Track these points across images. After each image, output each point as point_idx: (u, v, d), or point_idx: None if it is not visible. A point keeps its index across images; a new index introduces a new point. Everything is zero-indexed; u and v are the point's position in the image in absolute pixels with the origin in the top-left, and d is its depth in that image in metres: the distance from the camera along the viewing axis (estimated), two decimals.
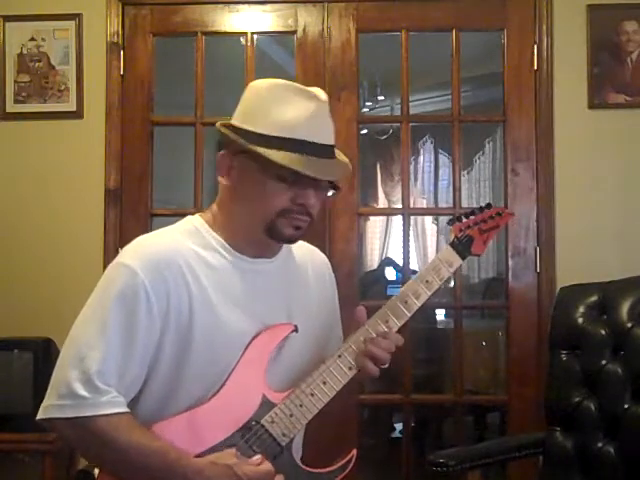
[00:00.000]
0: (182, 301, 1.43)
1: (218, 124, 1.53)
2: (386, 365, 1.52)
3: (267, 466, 1.39)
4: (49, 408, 1.38)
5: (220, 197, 1.55)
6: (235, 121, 1.49)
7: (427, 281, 1.53)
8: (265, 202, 1.46)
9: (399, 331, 1.53)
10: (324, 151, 1.46)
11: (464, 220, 1.57)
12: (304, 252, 1.67)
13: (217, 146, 1.56)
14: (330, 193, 1.52)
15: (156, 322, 1.42)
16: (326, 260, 1.74)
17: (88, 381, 1.36)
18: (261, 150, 1.41)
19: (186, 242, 1.49)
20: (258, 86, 1.51)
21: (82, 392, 1.35)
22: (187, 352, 1.43)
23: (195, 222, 1.54)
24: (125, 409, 1.39)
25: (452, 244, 1.56)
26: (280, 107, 1.44)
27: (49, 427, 1.42)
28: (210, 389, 1.45)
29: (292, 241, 1.52)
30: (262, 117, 1.45)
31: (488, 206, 1.60)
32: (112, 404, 1.37)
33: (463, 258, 1.55)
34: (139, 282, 1.40)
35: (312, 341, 1.58)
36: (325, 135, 1.47)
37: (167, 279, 1.42)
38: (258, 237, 1.51)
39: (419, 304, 1.52)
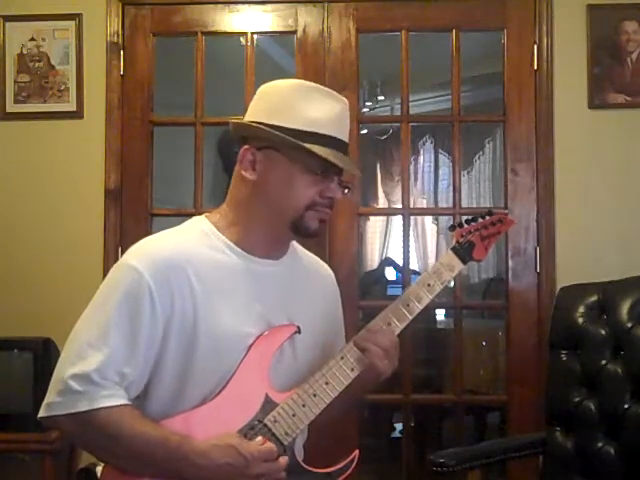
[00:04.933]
0: (186, 304, 1.44)
1: (236, 122, 1.55)
2: (387, 366, 1.52)
3: (270, 446, 1.42)
4: (49, 405, 1.40)
5: (235, 194, 1.55)
6: (256, 118, 1.50)
7: (429, 285, 1.55)
8: (295, 195, 1.48)
9: (400, 333, 1.54)
10: (345, 148, 1.52)
11: (465, 226, 1.59)
12: (311, 262, 1.71)
13: (217, 147, 1.57)
14: (346, 191, 1.55)
15: (159, 324, 1.42)
16: (331, 273, 1.76)
17: (87, 378, 1.37)
18: (303, 144, 1.44)
19: (192, 244, 1.50)
20: (281, 85, 1.54)
21: (80, 388, 1.37)
22: (192, 354, 1.44)
23: (201, 224, 1.55)
24: (126, 401, 1.40)
25: (453, 249, 1.58)
26: (309, 104, 1.48)
27: (51, 424, 1.43)
28: (214, 390, 1.46)
29: (315, 235, 1.54)
30: (292, 113, 1.48)
31: (490, 213, 1.62)
32: (111, 397, 1.38)
33: (464, 263, 1.58)
34: (144, 284, 1.41)
35: (315, 343, 1.59)
36: (346, 133, 1.53)
37: (172, 282, 1.43)
38: (275, 234, 1.53)
39: (421, 307, 1.55)
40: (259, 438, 1.42)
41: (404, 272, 3.09)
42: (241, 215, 1.53)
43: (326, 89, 1.54)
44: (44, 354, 2.66)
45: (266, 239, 1.53)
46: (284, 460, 1.43)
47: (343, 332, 1.74)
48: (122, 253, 1.53)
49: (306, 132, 1.45)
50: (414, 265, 6.49)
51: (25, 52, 2.96)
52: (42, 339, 2.69)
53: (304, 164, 1.46)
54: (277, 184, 1.49)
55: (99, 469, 1.49)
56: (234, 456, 1.38)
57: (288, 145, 1.45)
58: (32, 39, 2.96)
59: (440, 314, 4.94)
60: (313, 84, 1.54)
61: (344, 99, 1.54)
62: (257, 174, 1.50)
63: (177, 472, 1.39)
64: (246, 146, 1.51)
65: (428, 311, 4.05)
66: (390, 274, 5.82)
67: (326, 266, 1.76)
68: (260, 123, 1.49)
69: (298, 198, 1.48)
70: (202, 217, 1.58)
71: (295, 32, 2.92)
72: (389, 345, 1.51)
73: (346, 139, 1.52)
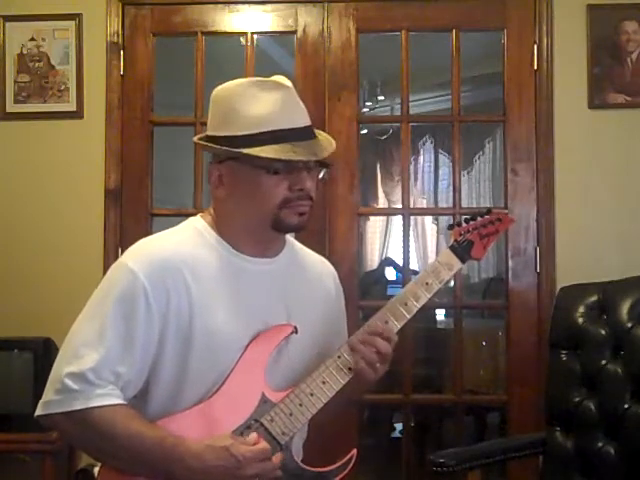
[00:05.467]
0: (182, 305, 1.44)
1: (195, 139, 1.57)
2: (381, 367, 1.52)
3: (263, 445, 1.41)
4: (46, 404, 1.41)
5: (215, 204, 1.57)
6: (211, 132, 1.52)
7: (427, 283, 1.54)
8: (264, 198, 1.47)
9: (398, 332, 1.54)
10: (304, 133, 1.48)
11: (464, 225, 1.59)
12: (311, 260, 1.70)
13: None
14: (322, 173, 1.54)
15: (155, 324, 1.43)
16: (333, 271, 1.75)
17: (83, 376, 1.38)
18: (247, 150, 1.44)
19: (188, 244, 1.51)
20: (222, 92, 1.53)
21: (76, 386, 1.38)
22: (188, 354, 1.45)
23: (197, 224, 1.56)
24: (120, 401, 1.40)
25: (452, 247, 1.57)
26: (250, 105, 1.46)
27: (48, 423, 1.44)
28: (211, 389, 1.46)
29: (299, 229, 1.53)
30: (236, 119, 1.47)
31: (488, 212, 1.62)
32: (105, 396, 1.38)
33: (463, 262, 1.57)
34: (139, 285, 1.42)
35: (313, 342, 1.59)
36: (299, 118, 1.49)
37: (167, 283, 1.44)
38: (262, 235, 1.53)
39: (419, 306, 1.54)
40: (253, 434, 1.42)
41: (404, 272, 3.09)
42: (225, 221, 1.54)
43: (266, 80, 1.50)
44: (44, 354, 2.66)
45: (256, 241, 1.54)
46: (277, 458, 1.42)
47: (345, 331, 1.73)
48: (122, 253, 1.53)
49: (255, 135, 1.44)
50: (414, 265, 6.49)
51: (25, 52, 2.96)
52: (42, 339, 2.69)
53: (263, 167, 1.45)
54: (245, 192, 1.49)
55: (96, 470, 1.49)
56: (226, 458, 1.37)
57: (238, 154, 1.45)
58: (32, 39, 2.96)
59: (440, 314, 4.93)
60: (252, 80, 1.51)
61: (286, 83, 1.50)
62: (226, 188, 1.51)
63: (171, 473, 1.38)
64: (210, 162, 1.53)
65: (428, 311, 4.10)
66: (390, 274, 5.82)
67: (327, 263, 1.75)
68: (212, 137, 1.50)
69: (268, 200, 1.47)
70: (197, 217, 1.59)
71: (295, 32, 2.92)
72: (385, 349, 1.50)
73: (302, 123, 1.49)
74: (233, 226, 1.53)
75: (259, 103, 1.46)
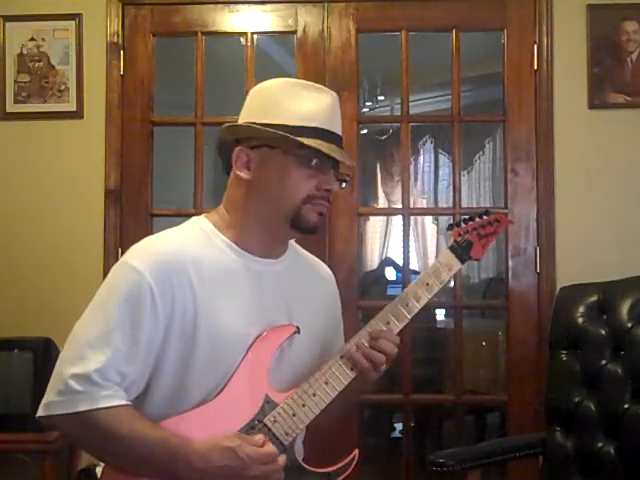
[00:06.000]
0: (187, 304, 1.44)
1: (227, 125, 1.54)
2: (384, 367, 1.53)
3: (270, 448, 1.41)
4: (48, 405, 1.39)
5: (231, 196, 1.56)
6: (249, 119, 1.51)
7: (427, 284, 1.55)
8: (291, 190, 1.48)
9: (399, 332, 1.54)
10: (339, 140, 1.51)
11: (463, 225, 1.60)
12: (311, 263, 1.71)
13: (217, 148, 1.57)
14: (343, 185, 1.56)
15: (160, 323, 1.42)
16: (332, 275, 1.76)
17: (87, 378, 1.37)
18: (299, 138, 1.44)
19: (192, 244, 1.50)
20: (268, 85, 1.54)
21: (80, 388, 1.37)
22: (191, 354, 1.44)
23: (201, 223, 1.56)
24: (125, 402, 1.40)
25: (451, 248, 1.58)
26: (296, 100, 1.48)
27: (50, 424, 1.43)
28: (214, 390, 1.46)
29: (315, 229, 1.53)
30: (281, 110, 1.48)
31: (487, 213, 1.63)
32: (111, 397, 1.38)
33: (462, 262, 1.58)
34: (145, 284, 1.41)
35: (314, 343, 1.59)
36: (339, 126, 1.53)
37: (173, 281, 1.43)
38: (274, 233, 1.53)
39: (419, 307, 1.55)
40: (259, 435, 1.42)
41: (404, 272, 3.08)
42: (239, 216, 1.53)
43: (314, 84, 1.54)
44: (44, 354, 2.65)
45: (265, 238, 1.54)
46: (282, 460, 1.42)
47: (342, 332, 1.74)
48: (122, 253, 1.54)
49: (296, 127, 1.45)
50: (414, 265, 6.48)
51: (25, 52, 2.96)
52: (42, 339, 2.68)
53: (298, 158, 1.47)
54: (273, 180, 1.49)
55: (99, 470, 1.49)
56: (232, 458, 1.37)
57: (280, 141, 1.46)
58: (32, 39, 2.96)
59: (440, 314, 4.94)
60: (301, 80, 1.55)
61: (333, 92, 1.53)
62: (252, 173, 1.50)
63: (176, 474, 1.38)
64: (239, 147, 1.51)
65: (428, 311, 4.10)
66: (390, 274, 5.82)
67: (326, 267, 1.76)
68: (251, 123, 1.49)
69: (295, 192, 1.48)
70: (202, 217, 1.58)
71: (295, 32, 2.92)
72: (390, 350, 1.51)
73: (338, 131, 1.52)
74: (245, 219, 1.52)
75: (306, 100, 1.48)
